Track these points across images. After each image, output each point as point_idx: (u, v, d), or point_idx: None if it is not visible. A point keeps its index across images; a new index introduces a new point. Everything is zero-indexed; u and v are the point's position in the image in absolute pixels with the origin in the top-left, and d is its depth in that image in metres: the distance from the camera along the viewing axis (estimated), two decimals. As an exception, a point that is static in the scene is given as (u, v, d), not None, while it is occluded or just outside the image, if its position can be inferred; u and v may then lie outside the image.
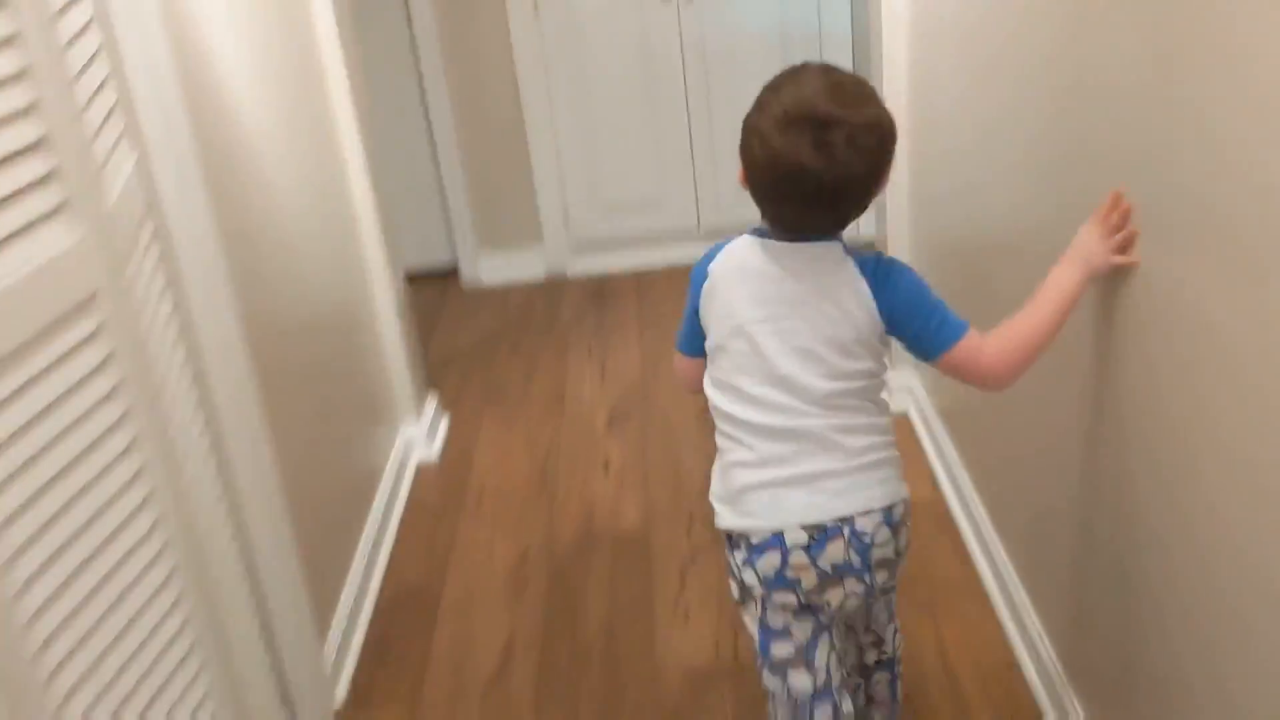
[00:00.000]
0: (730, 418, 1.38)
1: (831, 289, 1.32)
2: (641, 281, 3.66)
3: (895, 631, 1.56)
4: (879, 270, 1.33)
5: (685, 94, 3.54)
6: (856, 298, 1.32)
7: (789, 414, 1.33)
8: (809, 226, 1.33)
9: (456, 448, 2.78)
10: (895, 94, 2.39)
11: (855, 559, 1.34)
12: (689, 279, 1.42)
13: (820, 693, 1.41)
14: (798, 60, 1.33)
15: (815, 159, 1.23)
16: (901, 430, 2.55)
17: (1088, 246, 1.33)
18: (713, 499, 1.42)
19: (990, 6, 1.77)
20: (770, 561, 1.34)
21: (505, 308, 3.59)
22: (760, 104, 1.29)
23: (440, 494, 2.59)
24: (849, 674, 1.53)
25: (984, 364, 1.33)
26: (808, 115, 1.23)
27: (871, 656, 1.56)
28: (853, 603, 1.39)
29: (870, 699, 1.59)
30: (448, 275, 3.83)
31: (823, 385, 1.32)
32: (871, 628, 1.53)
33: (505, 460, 2.70)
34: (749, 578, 1.38)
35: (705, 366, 1.42)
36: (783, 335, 1.32)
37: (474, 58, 3.51)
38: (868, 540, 1.33)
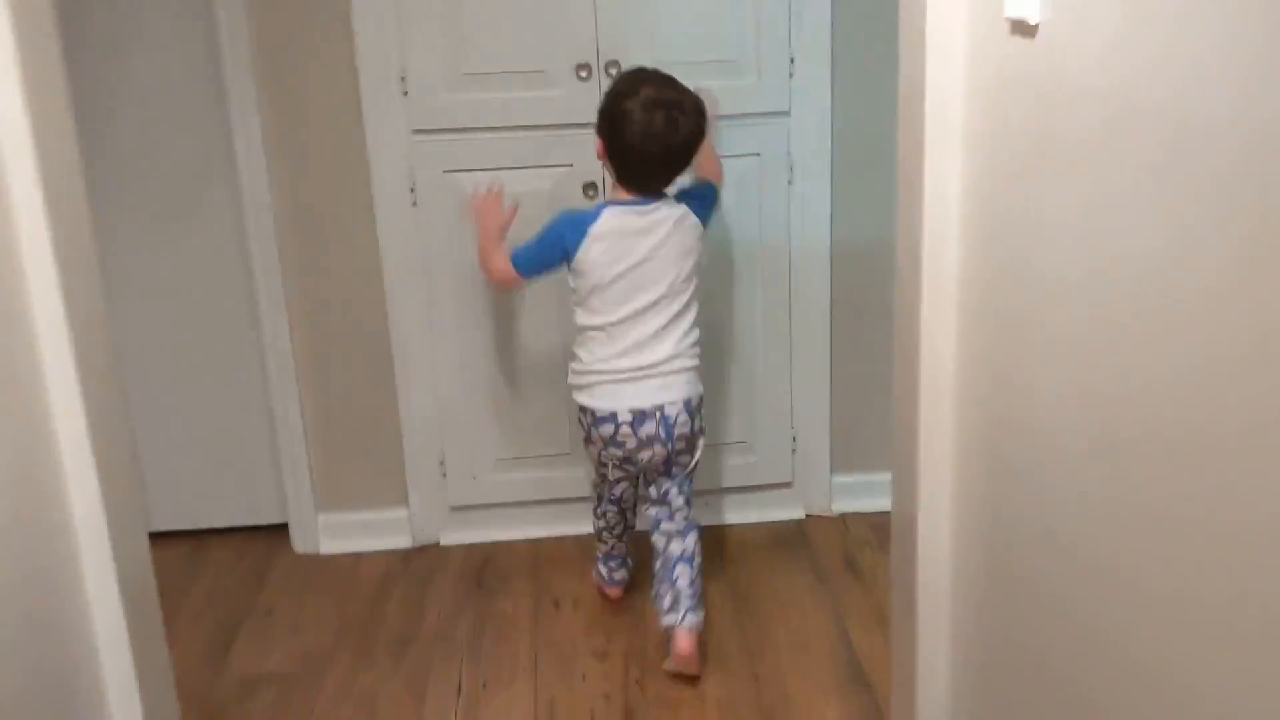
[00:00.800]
0: (599, 339, 2.14)
1: (680, 231, 2.13)
2: (540, 556, 2.72)
3: (689, 509, 2.28)
4: (684, 195, 2.19)
5: (609, 317, 2.68)
6: (694, 230, 2.16)
7: (643, 331, 2.12)
8: (657, 180, 2.12)
9: None
10: (940, 302, 1.55)
11: (662, 433, 2.15)
12: (555, 223, 2.17)
13: (623, 498, 2.35)
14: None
15: (668, 128, 2.04)
16: None
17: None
18: (571, 385, 2.21)
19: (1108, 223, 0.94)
20: (606, 430, 2.15)
21: (349, 595, 2.60)
22: (624, 94, 2.07)
23: None
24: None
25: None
26: (661, 101, 2.04)
27: (655, 513, 2.29)
28: (657, 460, 2.19)
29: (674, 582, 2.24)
30: (277, 534, 2.84)
31: (673, 304, 2.12)
32: (663, 488, 2.26)
33: None
34: (594, 435, 2.18)
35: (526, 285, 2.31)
36: (651, 274, 2.10)
37: (326, 258, 2.60)
38: (671, 421, 2.15)
